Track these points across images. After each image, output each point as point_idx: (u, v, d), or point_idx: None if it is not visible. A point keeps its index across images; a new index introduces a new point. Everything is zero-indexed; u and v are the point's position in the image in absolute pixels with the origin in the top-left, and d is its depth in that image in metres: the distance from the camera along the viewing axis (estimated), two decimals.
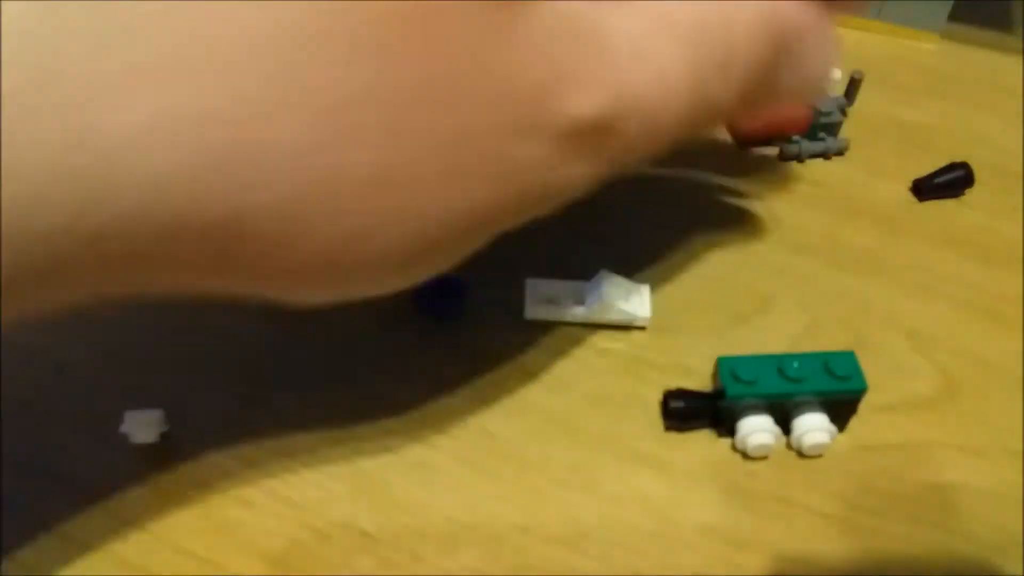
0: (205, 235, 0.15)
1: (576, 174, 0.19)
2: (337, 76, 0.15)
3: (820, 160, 0.35)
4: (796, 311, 0.29)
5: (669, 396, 0.26)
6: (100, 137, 0.14)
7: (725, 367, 0.25)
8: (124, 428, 0.25)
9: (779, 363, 0.25)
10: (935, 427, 0.27)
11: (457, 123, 0.16)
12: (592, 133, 0.18)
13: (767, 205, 0.33)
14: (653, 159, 0.21)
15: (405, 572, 0.23)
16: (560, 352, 0.28)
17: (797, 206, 0.33)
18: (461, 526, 0.24)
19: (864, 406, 0.26)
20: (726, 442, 0.26)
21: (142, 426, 0.25)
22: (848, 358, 0.26)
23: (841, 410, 0.26)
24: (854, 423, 0.26)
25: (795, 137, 0.35)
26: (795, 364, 0.25)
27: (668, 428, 0.26)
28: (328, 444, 0.25)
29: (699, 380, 0.27)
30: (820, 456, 0.26)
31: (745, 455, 0.26)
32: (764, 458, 0.26)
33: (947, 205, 0.34)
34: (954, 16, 0.41)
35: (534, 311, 0.28)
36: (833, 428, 0.26)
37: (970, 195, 0.34)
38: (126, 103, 0.14)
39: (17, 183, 0.13)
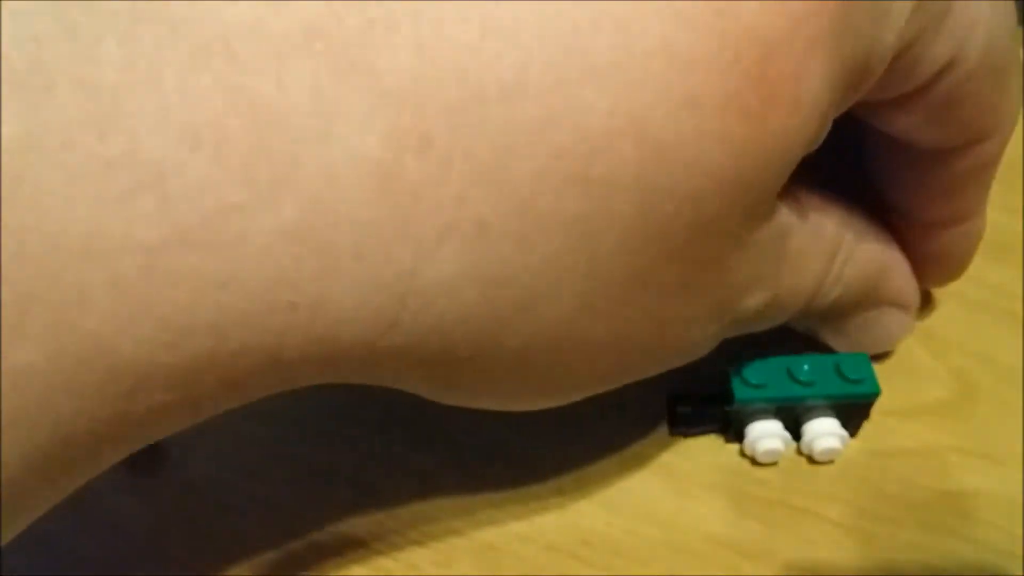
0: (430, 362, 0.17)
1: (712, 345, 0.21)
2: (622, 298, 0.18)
3: None
4: None
5: (675, 400, 0.25)
6: (421, 283, 0.15)
7: (733, 370, 0.25)
8: None
9: (789, 366, 0.25)
10: (949, 432, 0.26)
11: (678, 311, 0.19)
12: (742, 323, 0.21)
13: None
14: None
15: None
16: None
17: None
18: (458, 535, 0.23)
19: (876, 410, 0.26)
20: (734, 448, 0.25)
21: None
22: (861, 360, 0.25)
23: (853, 414, 0.25)
24: (866, 428, 0.26)
25: None
26: (805, 367, 0.24)
27: (674, 433, 0.26)
28: (321, 451, 0.25)
29: (705, 384, 0.26)
30: (831, 462, 0.25)
31: (754, 461, 0.25)
32: (773, 464, 0.25)
33: None
34: None
35: None
36: (844, 433, 0.25)
37: None
38: (443, 257, 0.15)
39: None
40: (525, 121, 0.15)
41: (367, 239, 0.15)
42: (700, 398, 0.26)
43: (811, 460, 0.25)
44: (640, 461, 0.25)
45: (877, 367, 0.25)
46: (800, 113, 0.16)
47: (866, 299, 0.24)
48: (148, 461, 0.25)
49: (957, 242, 0.25)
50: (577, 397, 0.21)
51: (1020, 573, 0.23)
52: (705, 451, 0.25)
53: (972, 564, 0.23)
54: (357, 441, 0.25)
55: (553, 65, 0.14)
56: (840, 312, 0.24)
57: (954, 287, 0.30)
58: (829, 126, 0.18)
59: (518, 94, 0.14)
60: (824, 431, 0.25)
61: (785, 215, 0.20)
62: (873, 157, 0.24)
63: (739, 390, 0.24)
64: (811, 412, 0.25)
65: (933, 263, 0.25)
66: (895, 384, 0.27)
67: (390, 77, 0.14)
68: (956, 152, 0.22)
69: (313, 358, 0.16)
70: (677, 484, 0.25)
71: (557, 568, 0.23)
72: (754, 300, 0.20)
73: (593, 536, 0.24)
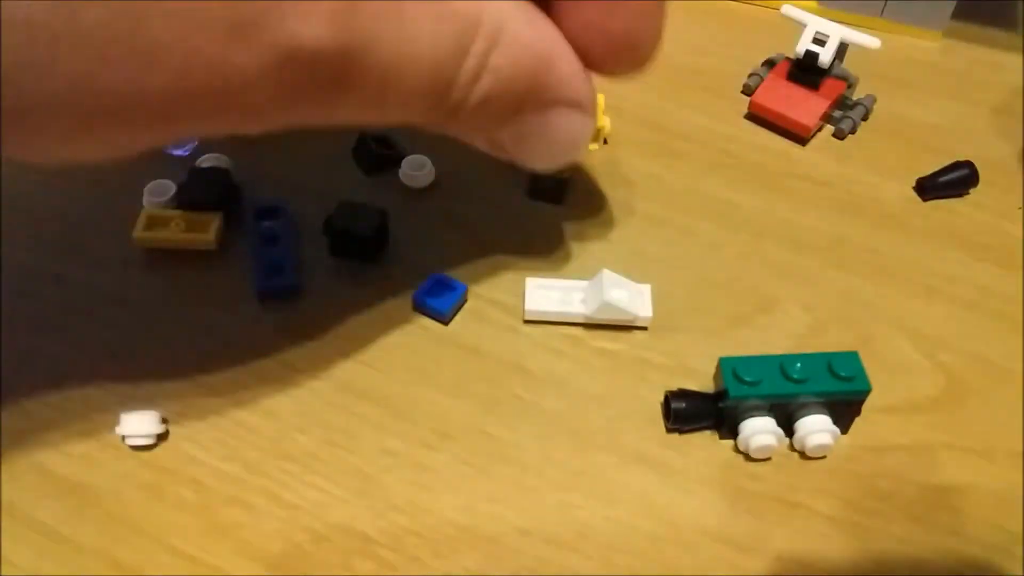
0: None
1: (280, 104, 0.19)
2: None
3: (822, 158, 0.35)
4: (799, 311, 0.29)
5: (671, 397, 0.26)
6: None
7: (727, 367, 0.25)
8: (120, 430, 0.24)
9: (782, 363, 0.25)
10: (938, 428, 0.27)
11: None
12: (311, 65, 0.18)
13: (770, 204, 0.33)
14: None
15: (404, 574, 0.23)
16: (560, 352, 0.28)
17: (800, 205, 0.33)
18: (460, 528, 0.24)
19: (867, 407, 0.26)
20: (728, 444, 0.26)
21: (139, 428, 0.24)
22: (851, 358, 0.25)
23: (844, 411, 0.26)
24: (857, 424, 0.26)
25: (837, 113, 0.36)
26: (798, 364, 0.25)
27: (670, 430, 0.26)
28: (326, 446, 0.25)
29: (701, 381, 0.27)
30: (823, 458, 0.26)
31: (748, 457, 0.26)
32: (767, 460, 0.26)
33: (951, 204, 0.33)
34: (957, 15, 0.40)
35: (533, 311, 0.28)
36: (835, 430, 0.25)
37: (974, 194, 0.34)
38: None
39: None
40: None
41: None
42: (696, 395, 0.26)
43: (803, 455, 0.26)
44: (637, 457, 0.25)
45: (868, 365, 0.25)
46: None
47: (531, 95, 0.22)
48: (151, 453, 0.25)
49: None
50: (103, 128, 0.18)
51: (1005, 564, 0.24)
52: (700, 447, 0.26)
53: (961, 558, 0.24)
54: (358, 437, 0.26)
55: None
56: (505, 110, 0.22)
57: (944, 287, 0.30)
58: None
59: None
60: (816, 427, 0.25)
61: None
62: None
63: (733, 387, 0.25)
64: (803, 409, 0.25)
65: (608, 7, 0.23)
66: (886, 382, 0.27)
67: None
68: None
69: None
70: (673, 479, 0.25)
71: (556, 561, 0.23)
72: (311, 30, 0.17)
73: (590, 530, 0.24)
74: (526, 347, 0.28)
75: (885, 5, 0.41)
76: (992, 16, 0.43)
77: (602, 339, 0.28)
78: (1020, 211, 0.33)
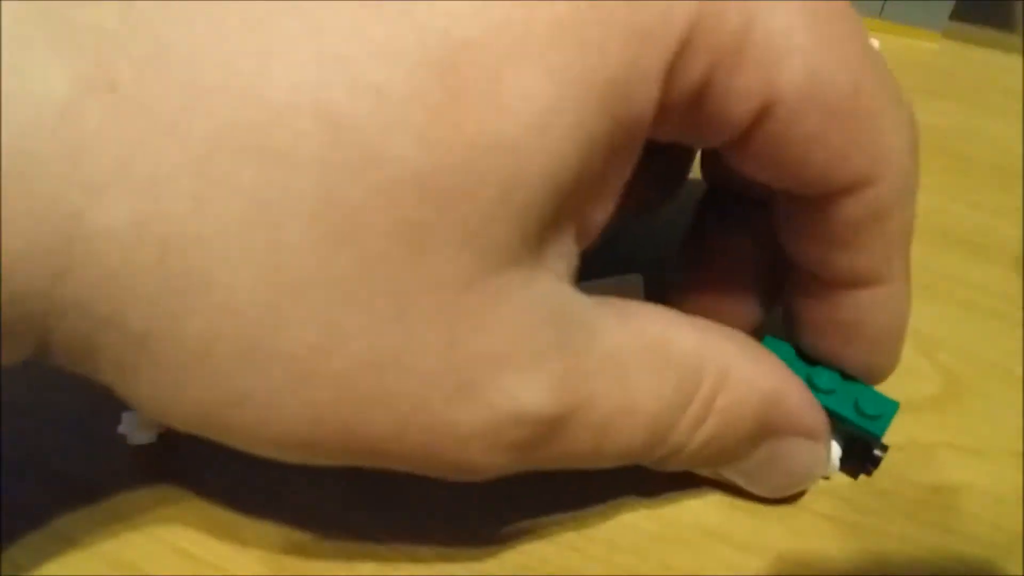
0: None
1: (494, 462, 0.18)
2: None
3: None
4: None
5: None
6: (89, 228, 0.15)
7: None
8: (122, 428, 0.24)
9: (809, 377, 0.23)
10: (937, 428, 0.27)
11: (398, 354, 0.17)
12: (531, 428, 0.18)
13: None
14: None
15: (404, 573, 0.23)
16: None
17: None
18: (461, 527, 0.24)
19: None
20: None
21: (140, 426, 0.24)
22: (879, 398, 0.23)
23: (855, 452, 0.24)
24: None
25: None
26: (825, 377, 0.23)
27: None
28: None
29: None
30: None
31: None
32: None
33: (948, 204, 0.34)
34: (956, 15, 0.40)
35: None
36: (835, 460, 0.24)
37: (971, 194, 0.34)
38: (113, 203, 0.15)
39: None
40: (207, 83, 0.15)
41: (38, 173, 0.14)
42: None
43: None
44: None
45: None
46: (507, 118, 0.15)
47: (758, 431, 0.22)
48: (152, 452, 0.25)
49: (870, 311, 0.22)
50: (291, 454, 0.18)
51: (1004, 564, 0.24)
52: None
53: (960, 558, 0.24)
54: None
55: None
56: (731, 450, 0.22)
57: (943, 287, 0.30)
58: (596, 157, 0.17)
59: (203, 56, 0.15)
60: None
61: (563, 287, 0.18)
62: (773, 211, 0.22)
63: None
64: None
65: (848, 337, 0.22)
66: (885, 382, 0.27)
67: (84, 24, 0.15)
68: (833, 199, 0.20)
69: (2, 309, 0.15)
70: (672, 477, 0.25)
71: (557, 560, 0.23)
72: (532, 394, 0.17)
73: (592, 529, 0.24)
74: None
75: (883, 5, 0.41)
76: (991, 17, 0.43)
77: None
78: (1020, 211, 0.33)
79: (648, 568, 0.23)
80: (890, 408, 0.23)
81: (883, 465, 0.25)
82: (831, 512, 0.25)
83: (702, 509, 0.25)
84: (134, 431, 0.24)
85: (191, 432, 0.19)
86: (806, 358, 0.23)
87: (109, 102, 0.15)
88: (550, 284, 0.18)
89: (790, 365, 0.23)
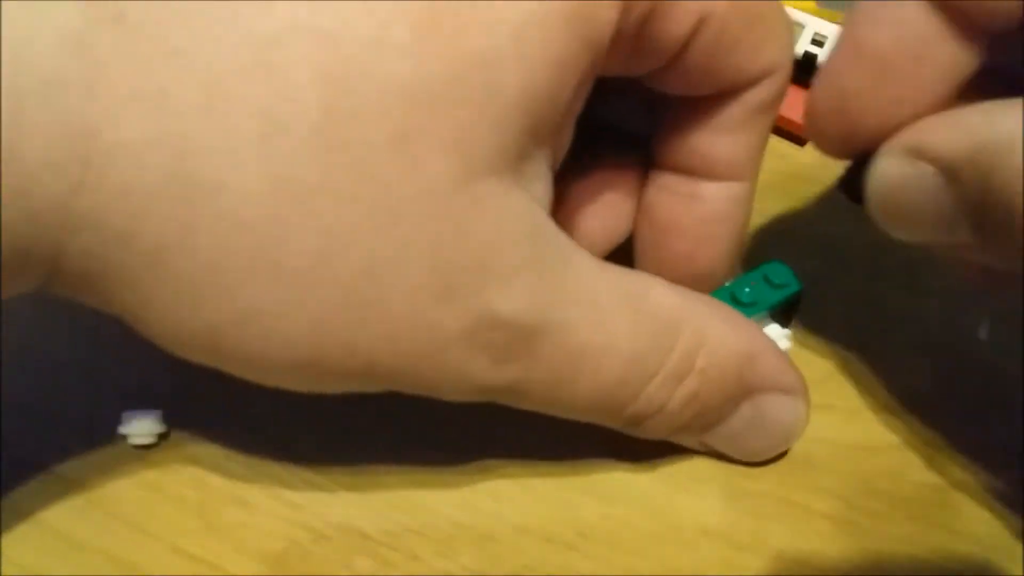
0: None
1: (474, 369, 0.20)
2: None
3: (821, 159, 0.35)
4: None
5: None
6: (105, 143, 0.17)
7: None
8: (122, 428, 0.25)
9: (733, 292, 0.26)
10: (937, 427, 0.26)
11: (389, 264, 0.18)
12: (506, 333, 0.20)
13: (768, 206, 0.33)
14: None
15: (403, 573, 0.23)
16: None
17: (799, 206, 0.33)
18: (459, 526, 0.24)
19: (864, 405, 0.26)
20: None
21: (140, 426, 0.25)
22: (779, 267, 0.27)
23: (787, 313, 0.27)
24: (856, 422, 0.26)
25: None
26: (746, 289, 0.26)
27: None
28: (326, 444, 0.25)
29: None
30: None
31: None
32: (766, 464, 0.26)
33: None
34: None
35: None
36: (787, 332, 0.27)
37: None
38: (127, 120, 0.17)
39: None
40: (212, 15, 0.17)
41: (58, 93, 0.16)
42: None
43: None
44: (635, 455, 0.25)
45: (865, 362, 0.25)
46: (485, 34, 0.17)
47: (737, 389, 0.23)
48: (152, 452, 0.25)
49: (730, 206, 0.24)
50: (297, 376, 0.20)
51: (1004, 563, 0.24)
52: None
53: (960, 557, 0.24)
54: (359, 435, 0.26)
55: None
56: (713, 411, 0.23)
57: (944, 285, 0.30)
58: (565, 76, 0.19)
59: None
60: (773, 336, 0.26)
61: (540, 211, 0.20)
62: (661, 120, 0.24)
63: None
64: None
65: (705, 236, 0.25)
66: (883, 379, 0.27)
67: None
68: (740, 92, 0.23)
69: (18, 226, 0.16)
70: (671, 477, 0.25)
71: (555, 559, 0.23)
72: (508, 300, 0.19)
73: (590, 528, 0.24)
74: None
75: None
76: None
77: None
78: None
79: (647, 567, 0.23)
80: (780, 266, 0.27)
81: (883, 464, 0.26)
82: (830, 511, 0.25)
83: (702, 509, 0.25)
84: (134, 431, 0.24)
85: (200, 360, 0.20)
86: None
87: (119, 32, 0.16)
88: (527, 203, 0.20)
89: (723, 299, 0.26)
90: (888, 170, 0.22)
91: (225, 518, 0.24)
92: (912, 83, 0.21)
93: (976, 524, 0.24)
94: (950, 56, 0.21)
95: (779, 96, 0.23)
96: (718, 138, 0.23)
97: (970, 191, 0.19)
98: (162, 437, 0.25)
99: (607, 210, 0.26)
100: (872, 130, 0.22)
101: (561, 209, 0.24)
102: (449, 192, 0.18)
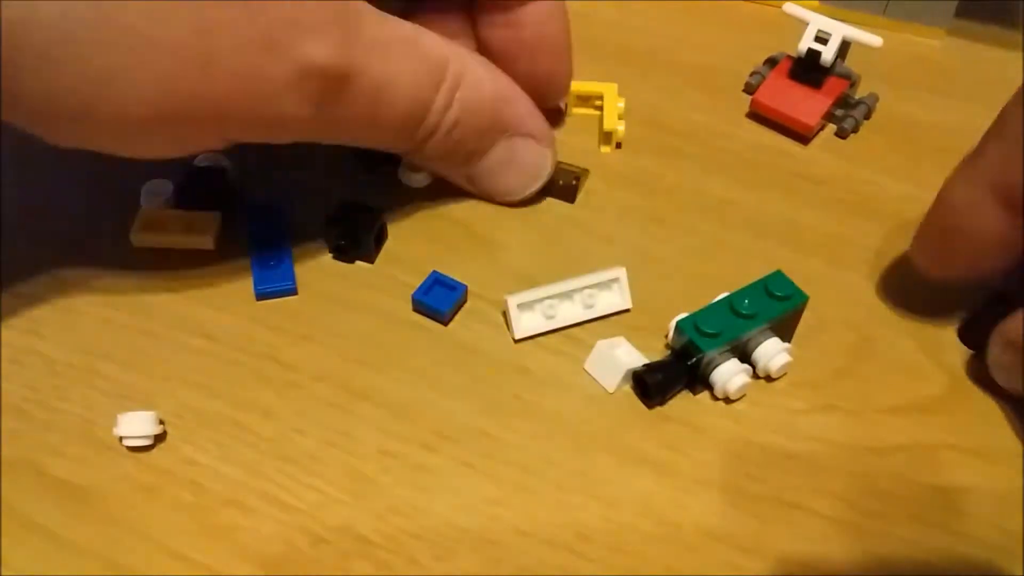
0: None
1: (301, 113, 0.24)
2: None
3: (825, 157, 0.35)
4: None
5: (643, 375, 0.26)
6: None
7: (689, 327, 0.26)
8: (118, 431, 0.24)
9: (731, 303, 0.27)
10: (940, 429, 0.26)
11: (222, 21, 0.22)
12: (322, 80, 0.24)
13: (771, 204, 0.33)
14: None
15: (400, 574, 0.23)
16: (560, 352, 0.28)
17: (801, 205, 0.33)
18: (459, 530, 0.24)
19: (869, 407, 0.26)
20: (726, 441, 0.26)
21: (136, 428, 0.24)
22: (780, 277, 0.27)
23: (788, 326, 0.27)
24: (857, 424, 0.26)
25: (839, 111, 0.36)
26: (746, 301, 0.27)
27: (651, 406, 0.26)
28: (324, 447, 0.25)
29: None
30: (785, 375, 0.26)
31: (727, 400, 0.26)
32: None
33: None
34: (960, 13, 0.40)
35: (521, 329, 0.28)
36: (788, 346, 0.27)
37: None
38: None
39: None
40: None
41: None
42: (663, 364, 0.26)
43: (769, 379, 0.27)
44: (637, 457, 0.25)
45: (870, 365, 0.25)
46: None
47: (492, 126, 0.29)
48: (149, 454, 0.25)
49: (545, 22, 0.30)
50: (149, 122, 0.23)
51: (1007, 565, 0.24)
52: (700, 447, 0.26)
53: (963, 559, 0.24)
54: (357, 438, 0.25)
55: None
56: (472, 139, 0.29)
57: (946, 287, 0.30)
58: None
59: None
60: (772, 351, 0.27)
61: None
62: None
63: (704, 343, 0.26)
64: (756, 339, 0.27)
65: (533, 53, 0.31)
66: (888, 381, 0.27)
67: None
68: None
69: None
70: (673, 480, 0.25)
71: (555, 562, 0.23)
72: (317, 49, 0.24)
73: (591, 531, 0.24)
74: (526, 347, 0.28)
75: (888, 3, 0.41)
76: (995, 14, 0.42)
77: (599, 338, 0.28)
78: None
79: (648, 569, 0.23)
80: (781, 277, 0.27)
81: (886, 466, 0.25)
82: (833, 513, 0.24)
83: (704, 511, 0.24)
84: (130, 433, 0.24)
85: (79, 136, 0.24)
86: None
87: None
88: None
89: (728, 320, 0.26)
90: (997, 355, 0.26)
91: (222, 521, 0.24)
92: None
93: (978, 526, 0.24)
94: None
95: None
96: None
97: None
98: (158, 439, 0.25)
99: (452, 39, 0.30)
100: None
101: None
102: None
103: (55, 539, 0.23)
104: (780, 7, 0.36)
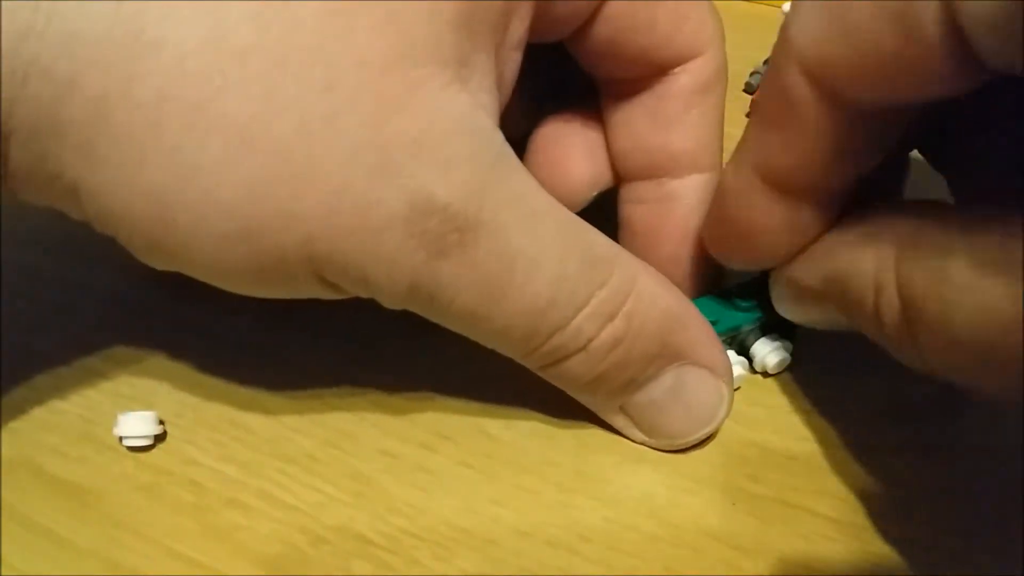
0: None
1: (408, 259, 0.20)
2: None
3: None
4: None
5: None
6: None
7: None
8: (118, 430, 0.24)
9: (728, 296, 0.27)
10: (941, 429, 0.26)
11: (326, 130, 0.19)
12: (439, 223, 0.20)
13: None
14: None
15: (400, 574, 0.23)
16: None
17: None
18: (459, 530, 0.24)
19: (867, 409, 0.26)
20: (727, 442, 0.26)
21: (136, 429, 0.24)
22: None
23: (790, 323, 0.27)
24: (859, 426, 0.26)
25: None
26: (744, 293, 0.27)
27: None
28: (324, 447, 0.25)
29: None
30: (784, 370, 0.26)
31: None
32: (766, 464, 0.26)
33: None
34: None
35: None
36: (788, 343, 0.27)
37: None
38: None
39: None
40: None
41: None
42: None
43: (765, 374, 0.27)
44: (637, 457, 0.25)
45: (870, 363, 0.25)
46: None
47: (661, 349, 0.23)
48: (148, 454, 0.25)
49: (697, 202, 0.26)
50: (227, 237, 0.20)
51: (1008, 567, 0.24)
52: (699, 447, 0.26)
53: (964, 559, 0.24)
54: (357, 438, 0.25)
55: None
56: (635, 363, 0.23)
57: None
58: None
59: None
60: (770, 347, 0.27)
61: (486, 119, 0.21)
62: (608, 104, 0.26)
63: None
64: (753, 334, 0.27)
65: (685, 235, 0.26)
66: (888, 381, 0.27)
67: None
68: (666, 75, 0.25)
69: None
70: (673, 480, 0.25)
71: (556, 562, 0.23)
72: (445, 186, 0.20)
73: (591, 531, 0.24)
74: None
75: None
76: None
77: None
78: None
79: (648, 570, 0.23)
80: None
81: (886, 467, 0.25)
82: (834, 514, 0.24)
83: (704, 511, 0.24)
84: (130, 433, 0.24)
85: (148, 246, 0.20)
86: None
87: None
88: (470, 104, 0.20)
89: (723, 310, 0.26)
90: (780, 295, 0.25)
91: (222, 521, 0.24)
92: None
93: (978, 526, 0.24)
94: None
95: (713, 78, 0.25)
96: (669, 131, 0.25)
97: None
98: (158, 439, 0.25)
99: (584, 160, 0.27)
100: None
101: (537, 159, 0.27)
102: (383, 67, 0.19)
103: (55, 539, 0.23)
104: (780, 7, 0.36)
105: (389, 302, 0.22)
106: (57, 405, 0.26)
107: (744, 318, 0.26)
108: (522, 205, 0.21)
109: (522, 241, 0.21)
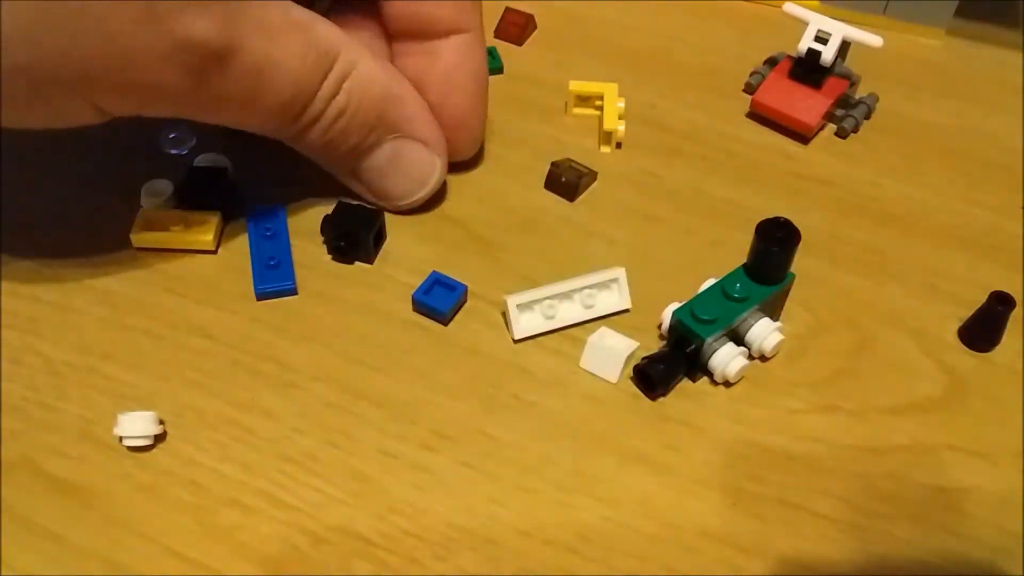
0: None
1: (177, 84, 0.24)
2: None
3: (825, 157, 0.35)
4: (800, 310, 0.29)
5: (645, 367, 0.26)
6: None
7: (686, 316, 0.26)
8: (118, 430, 0.24)
9: (723, 288, 0.27)
10: (941, 429, 0.26)
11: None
12: (200, 55, 0.24)
13: (771, 203, 0.33)
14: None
15: (400, 574, 0.23)
16: (560, 353, 0.28)
17: (802, 204, 0.33)
18: (459, 530, 0.24)
19: (869, 407, 0.26)
20: (728, 443, 0.26)
21: (136, 429, 0.24)
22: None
23: (776, 306, 0.28)
24: (859, 425, 0.26)
25: (839, 111, 0.36)
26: (737, 285, 0.27)
27: (654, 398, 0.26)
28: (325, 448, 0.25)
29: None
30: (777, 353, 0.27)
31: (727, 384, 0.27)
32: (767, 463, 0.26)
33: (951, 202, 0.33)
34: (960, 13, 0.40)
35: (521, 329, 0.28)
36: (780, 324, 0.27)
37: (974, 192, 0.34)
38: None
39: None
40: None
41: None
42: (663, 355, 0.27)
43: (764, 358, 0.27)
44: (637, 458, 0.25)
45: (870, 365, 0.25)
46: None
47: (378, 122, 0.28)
48: (149, 454, 0.25)
49: (459, 57, 0.30)
50: (9, 70, 0.22)
51: (1007, 565, 0.24)
52: (700, 447, 0.26)
53: (964, 559, 0.24)
54: (357, 438, 0.25)
55: None
56: (356, 132, 0.28)
57: (946, 287, 0.30)
58: None
59: None
60: (765, 331, 0.27)
61: None
62: None
63: (703, 330, 0.26)
64: (747, 321, 0.27)
65: (447, 87, 0.30)
66: (888, 382, 0.27)
67: None
68: None
69: None
70: (673, 480, 0.25)
71: (555, 563, 0.23)
72: (197, 24, 0.23)
73: (591, 531, 0.24)
74: (526, 347, 0.28)
75: (888, 3, 0.41)
76: (994, 14, 0.42)
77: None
78: (1021, 211, 0.33)
79: (648, 569, 0.23)
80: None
81: (886, 466, 0.25)
82: (833, 514, 0.24)
83: (703, 511, 0.24)
84: (130, 433, 0.24)
85: None
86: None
87: None
88: None
89: (722, 305, 0.27)
90: None
91: (222, 521, 0.24)
92: None
93: (979, 526, 0.24)
94: None
95: None
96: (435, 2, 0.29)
97: None
98: (158, 439, 0.25)
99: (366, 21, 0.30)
100: None
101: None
102: None
103: (55, 539, 0.23)
104: (780, 7, 0.36)
105: (167, 115, 0.26)
106: (57, 405, 0.26)
107: (741, 309, 0.26)
108: (263, 25, 0.25)
109: (265, 54, 0.25)
